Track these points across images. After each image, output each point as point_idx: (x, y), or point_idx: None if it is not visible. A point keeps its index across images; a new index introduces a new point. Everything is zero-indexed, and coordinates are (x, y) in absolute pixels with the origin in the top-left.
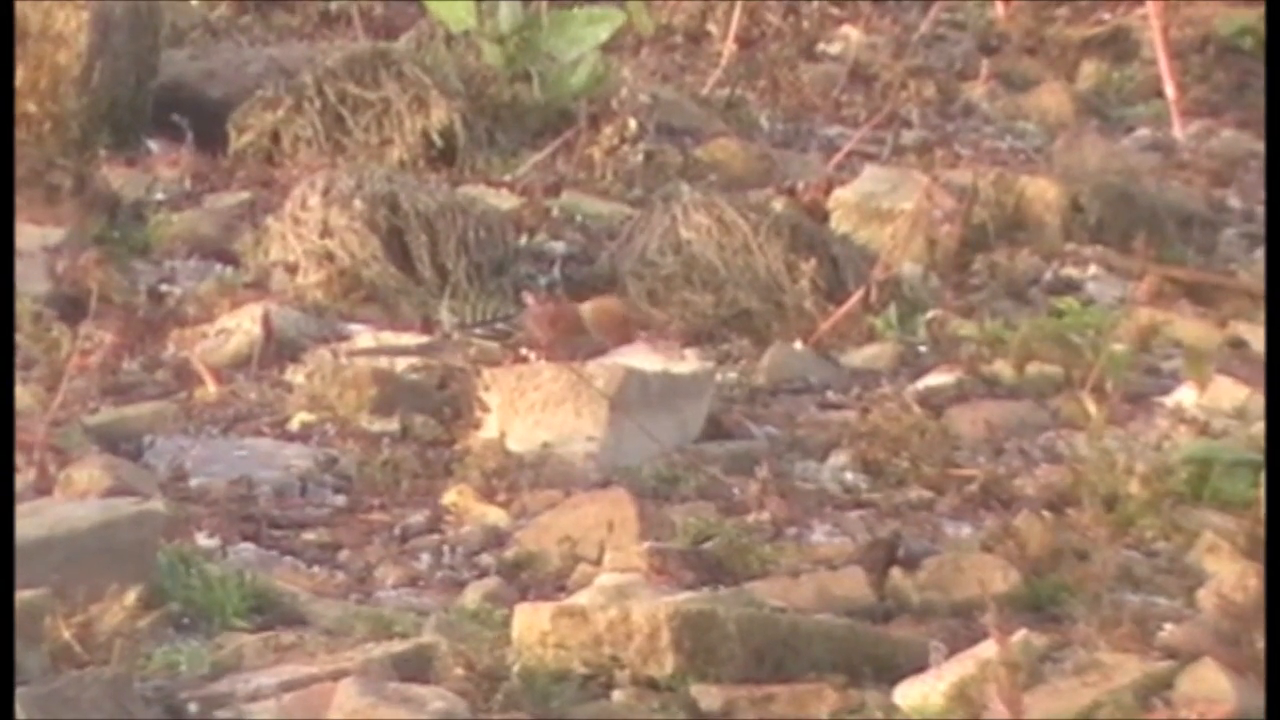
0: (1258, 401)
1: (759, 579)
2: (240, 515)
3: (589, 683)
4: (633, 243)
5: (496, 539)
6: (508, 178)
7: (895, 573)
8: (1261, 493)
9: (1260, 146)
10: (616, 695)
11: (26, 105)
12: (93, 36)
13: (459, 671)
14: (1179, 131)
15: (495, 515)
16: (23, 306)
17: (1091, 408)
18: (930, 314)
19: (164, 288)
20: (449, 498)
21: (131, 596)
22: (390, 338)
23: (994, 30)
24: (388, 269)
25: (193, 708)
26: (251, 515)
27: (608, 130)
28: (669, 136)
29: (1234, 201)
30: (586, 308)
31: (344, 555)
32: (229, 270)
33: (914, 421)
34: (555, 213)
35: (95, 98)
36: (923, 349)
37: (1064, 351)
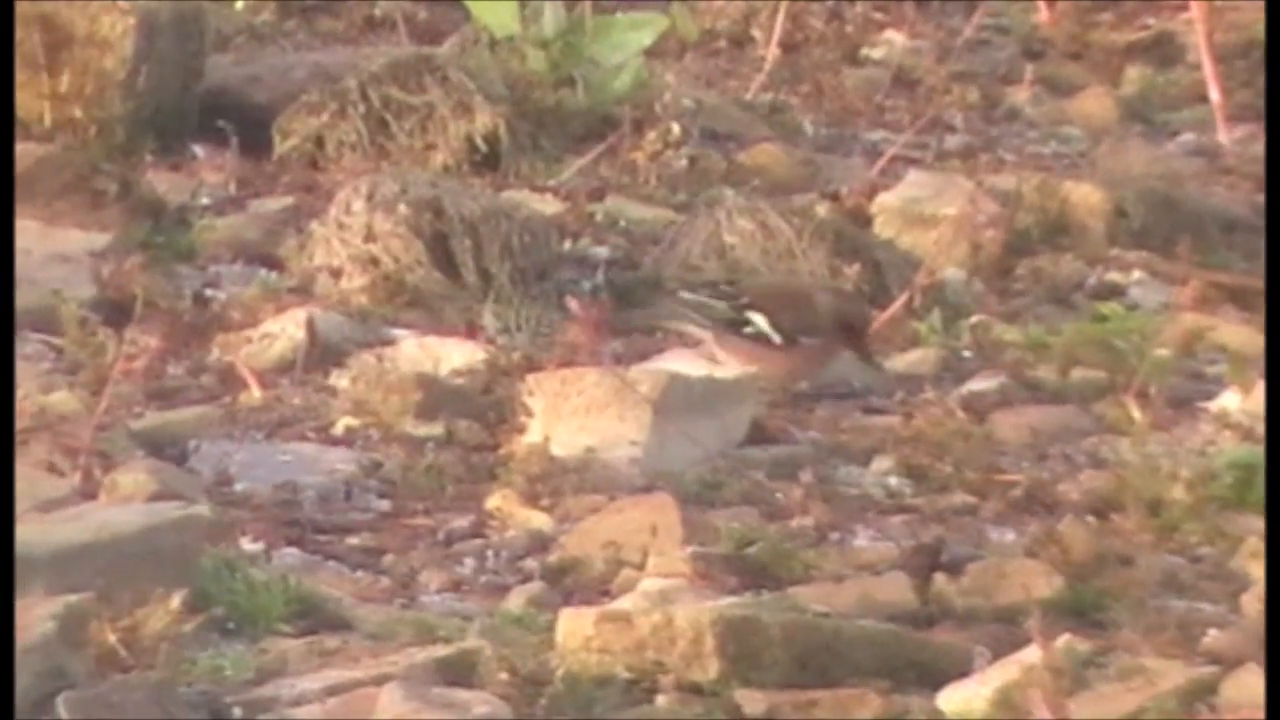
0: None
1: (802, 584)
2: (284, 520)
3: (632, 688)
4: (676, 248)
5: (540, 544)
6: (551, 183)
7: (939, 578)
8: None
9: None
10: (660, 700)
11: (72, 110)
12: (138, 42)
13: (503, 676)
14: (1223, 136)
15: (539, 520)
16: (68, 311)
17: (1135, 413)
18: (974, 319)
19: (208, 292)
20: (493, 502)
21: (176, 601)
22: (434, 343)
23: (1037, 35)
24: (431, 274)
25: (237, 712)
26: (296, 520)
27: (651, 135)
28: (712, 141)
29: None
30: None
31: (388, 560)
32: (273, 275)
33: (957, 426)
34: (599, 218)
35: (140, 103)
36: (966, 354)
37: (1108, 356)
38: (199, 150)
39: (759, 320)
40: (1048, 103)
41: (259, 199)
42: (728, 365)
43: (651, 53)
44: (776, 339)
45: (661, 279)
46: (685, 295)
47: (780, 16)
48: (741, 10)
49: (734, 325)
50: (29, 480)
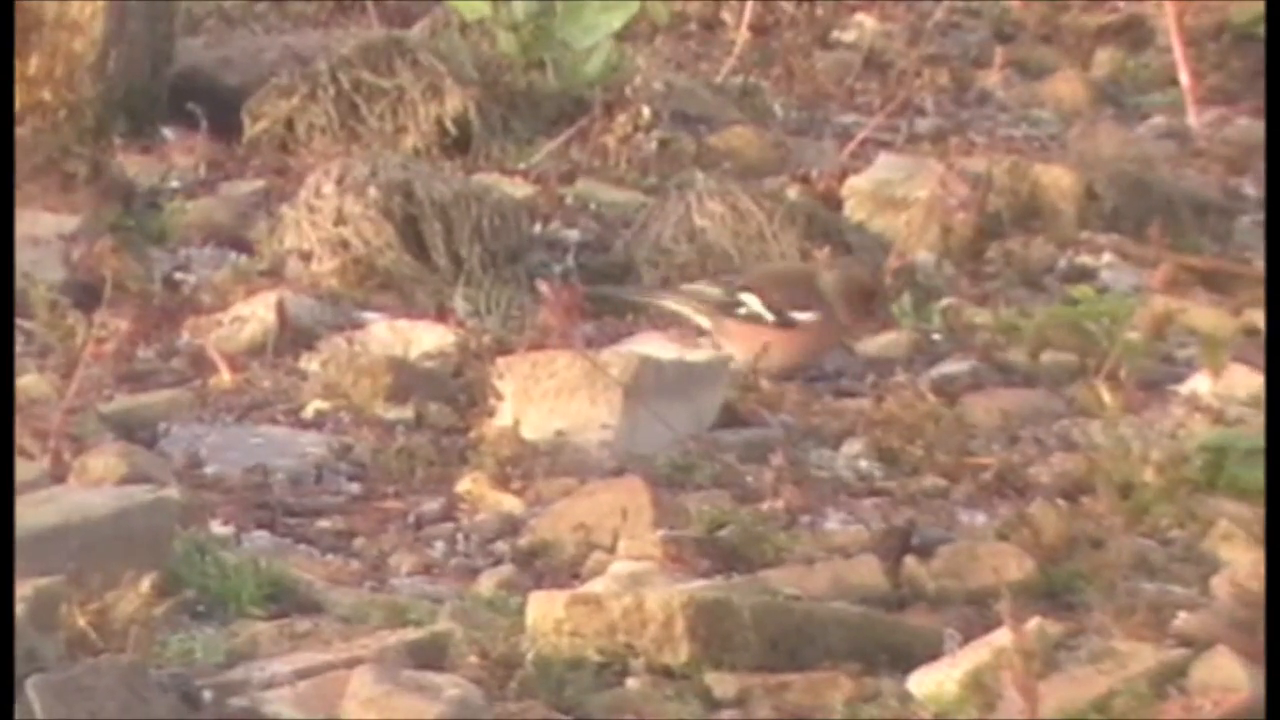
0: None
1: (773, 567)
2: (255, 503)
3: (603, 670)
4: (647, 230)
5: (511, 527)
6: (522, 166)
7: (910, 561)
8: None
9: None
10: (631, 683)
11: (42, 93)
12: (108, 24)
13: (473, 659)
14: (1194, 119)
15: (510, 503)
16: (38, 294)
17: (1106, 396)
18: (945, 302)
19: (179, 275)
20: (463, 485)
21: (147, 584)
22: (405, 326)
23: (1009, 18)
24: (402, 257)
25: (208, 695)
26: (266, 503)
27: (622, 118)
28: (683, 124)
29: (1249, 189)
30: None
31: (359, 543)
32: (244, 258)
33: (929, 409)
34: (570, 201)
35: (111, 85)
36: (937, 337)
37: (1079, 339)
38: (169, 133)
39: (751, 301)
40: (1019, 86)
41: (229, 182)
42: (730, 349)
43: (622, 36)
44: (769, 318)
45: (634, 262)
46: (684, 287)
47: None
48: None
49: (728, 308)
50: None
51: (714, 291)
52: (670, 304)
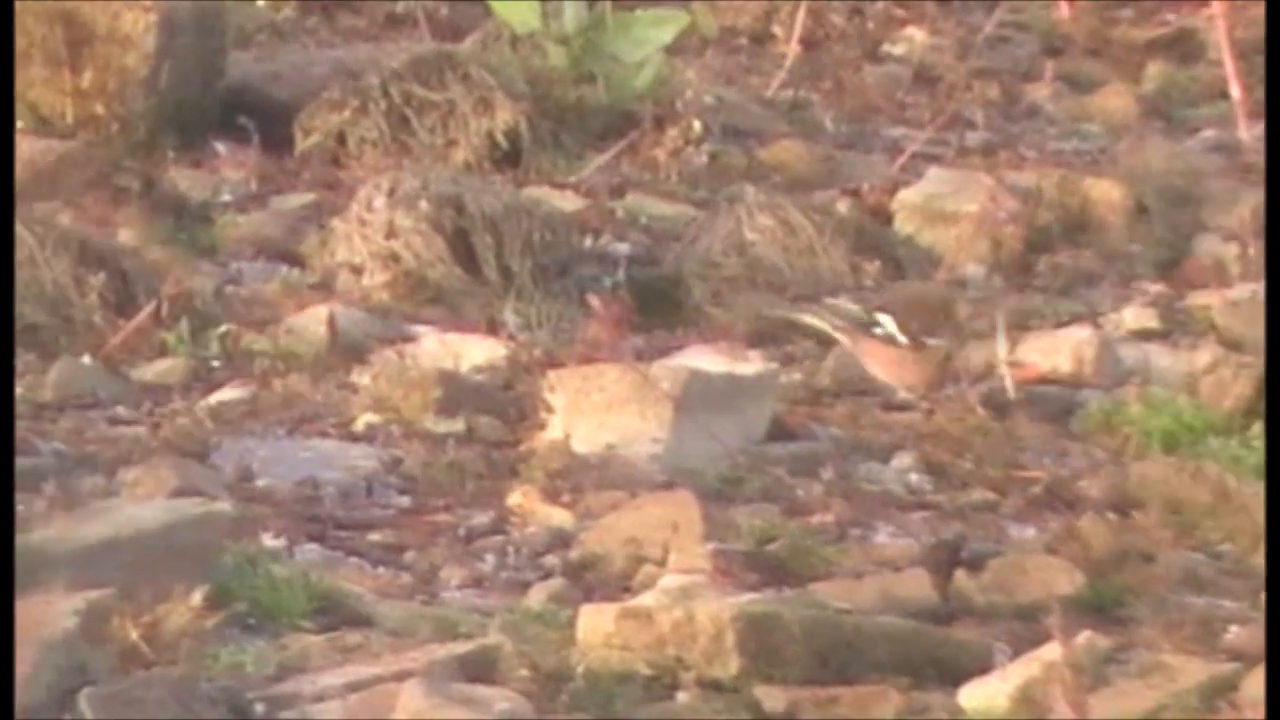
0: None
1: (822, 580)
2: (306, 516)
3: (653, 684)
4: (697, 244)
5: (561, 540)
6: (572, 179)
7: (959, 574)
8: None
9: None
10: (681, 696)
11: (94, 107)
12: (160, 39)
13: (523, 672)
14: (1244, 133)
15: (560, 516)
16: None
17: None
18: None
19: (230, 289)
20: (513, 499)
21: (197, 597)
22: (455, 339)
23: (1058, 31)
24: (452, 270)
25: (259, 708)
26: (317, 516)
27: (672, 132)
28: (733, 138)
29: None
30: None
31: (409, 556)
32: (295, 271)
33: (978, 423)
34: (619, 214)
35: (162, 100)
36: None
37: None
38: (221, 147)
39: (886, 322)
40: (1068, 99)
41: (281, 195)
42: (867, 364)
43: (672, 49)
44: (902, 340)
45: (683, 275)
46: (828, 300)
47: (801, 13)
48: (762, 7)
49: (866, 327)
50: None
51: (854, 309)
52: (810, 318)
